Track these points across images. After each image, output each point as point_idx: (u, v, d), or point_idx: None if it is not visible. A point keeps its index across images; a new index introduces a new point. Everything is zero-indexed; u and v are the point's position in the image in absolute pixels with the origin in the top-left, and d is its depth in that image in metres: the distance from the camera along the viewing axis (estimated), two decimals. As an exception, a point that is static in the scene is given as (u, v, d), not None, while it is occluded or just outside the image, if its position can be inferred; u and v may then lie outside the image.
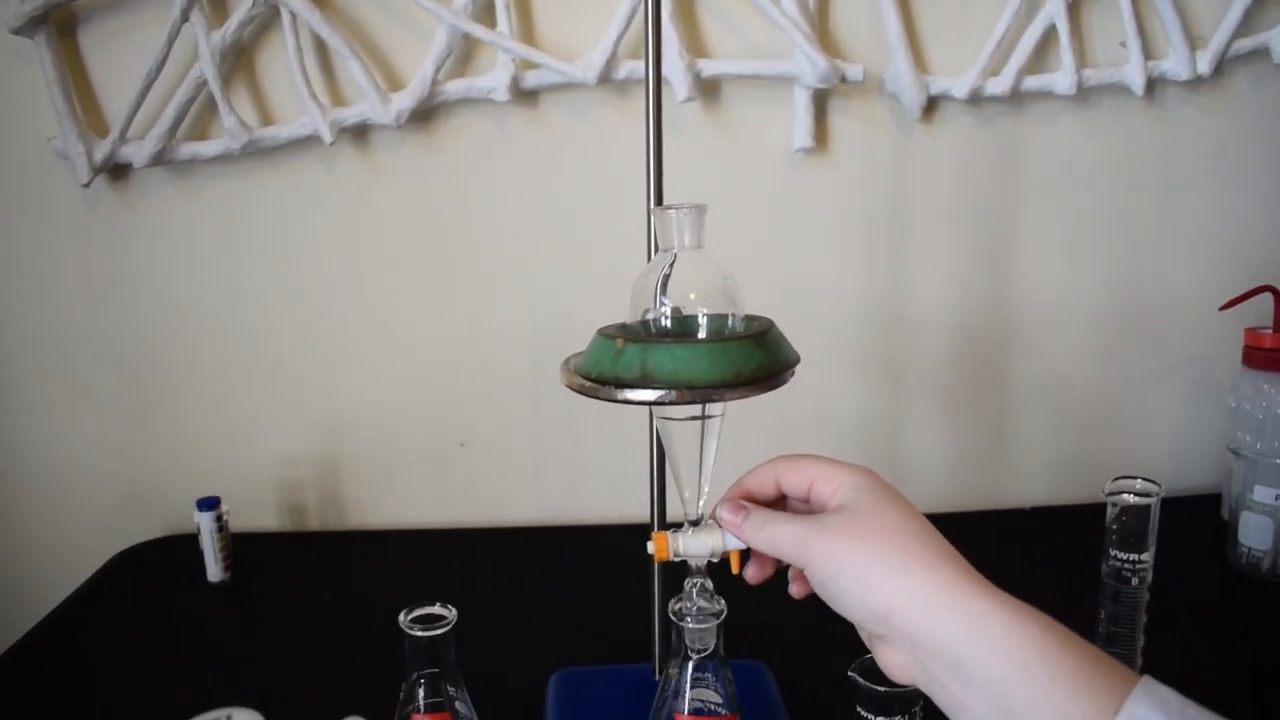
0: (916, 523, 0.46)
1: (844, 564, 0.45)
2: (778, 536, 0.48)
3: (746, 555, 0.52)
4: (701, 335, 0.52)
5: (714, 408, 0.54)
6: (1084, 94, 1.02)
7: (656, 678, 0.72)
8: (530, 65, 0.96)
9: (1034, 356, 1.10)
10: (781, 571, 0.53)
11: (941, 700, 0.43)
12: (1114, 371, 1.12)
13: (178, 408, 1.05)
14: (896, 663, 0.45)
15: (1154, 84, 1.03)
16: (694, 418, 0.53)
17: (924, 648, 0.43)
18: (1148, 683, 0.39)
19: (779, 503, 0.53)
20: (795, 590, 0.51)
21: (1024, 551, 0.98)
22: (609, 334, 0.51)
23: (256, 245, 1.01)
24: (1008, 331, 1.09)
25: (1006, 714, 0.40)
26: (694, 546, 0.52)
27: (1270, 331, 0.95)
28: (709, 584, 0.56)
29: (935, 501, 1.02)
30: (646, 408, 0.53)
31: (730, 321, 0.53)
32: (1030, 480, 1.13)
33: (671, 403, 0.48)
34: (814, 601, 0.50)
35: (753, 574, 0.52)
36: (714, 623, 0.55)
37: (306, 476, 1.08)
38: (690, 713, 0.56)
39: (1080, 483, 1.11)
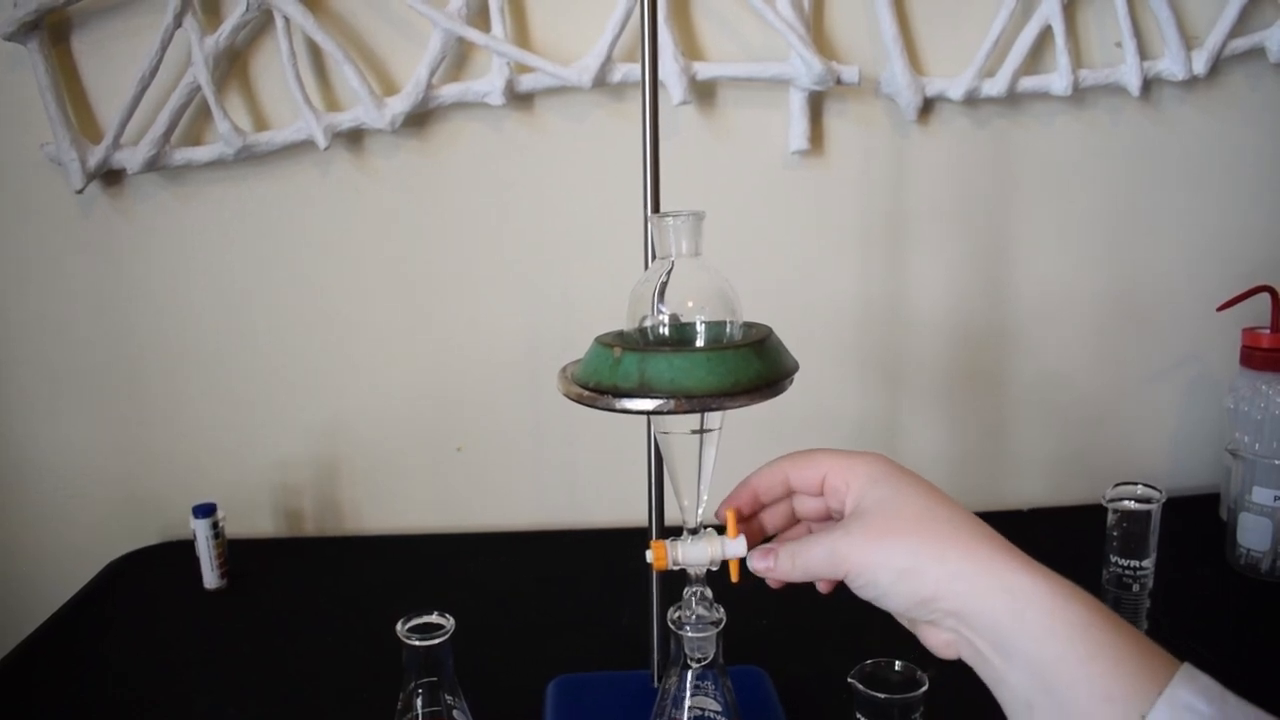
0: (942, 506, 0.46)
1: (880, 565, 0.45)
2: (811, 562, 0.48)
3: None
4: (699, 343, 0.52)
5: (711, 422, 0.53)
6: (1080, 94, 1.02)
7: (655, 684, 0.72)
8: (525, 69, 0.96)
9: (1031, 357, 1.10)
10: None
11: (984, 674, 0.44)
12: (1112, 372, 1.12)
13: (174, 413, 1.05)
14: (942, 641, 0.45)
15: (1150, 84, 1.02)
16: (693, 431, 0.53)
17: (971, 625, 0.43)
18: (1190, 669, 0.39)
19: (787, 500, 0.53)
20: (822, 588, 0.50)
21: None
22: (606, 342, 0.51)
23: (252, 250, 1.01)
24: (1005, 332, 1.09)
25: (1047, 690, 0.40)
26: (693, 555, 0.52)
27: (1268, 332, 0.95)
28: (708, 592, 0.55)
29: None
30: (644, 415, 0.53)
31: (728, 329, 0.53)
32: (1028, 481, 1.13)
33: (670, 412, 0.48)
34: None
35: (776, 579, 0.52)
36: (713, 631, 0.55)
37: (303, 482, 1.08)
38: (690, 721, 0.56)
39: (1078, 484, 1.11)
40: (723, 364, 0.48)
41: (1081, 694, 0.39)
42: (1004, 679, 0.42)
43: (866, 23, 0.99)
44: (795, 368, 0.52)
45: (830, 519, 0.52)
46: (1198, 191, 1.07)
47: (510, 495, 1.09)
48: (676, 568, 0.53)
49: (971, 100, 1.01)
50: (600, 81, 0.96)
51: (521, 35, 0.97)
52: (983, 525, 0.45)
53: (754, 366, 0.49)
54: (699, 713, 0.56)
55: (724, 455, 0.55)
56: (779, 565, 0.49)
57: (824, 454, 0.50)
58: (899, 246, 1.05)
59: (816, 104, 1.01)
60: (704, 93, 1.00)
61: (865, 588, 0.46)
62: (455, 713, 0.57)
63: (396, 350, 1.05)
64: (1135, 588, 0.69)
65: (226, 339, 1.03)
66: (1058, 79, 1.00)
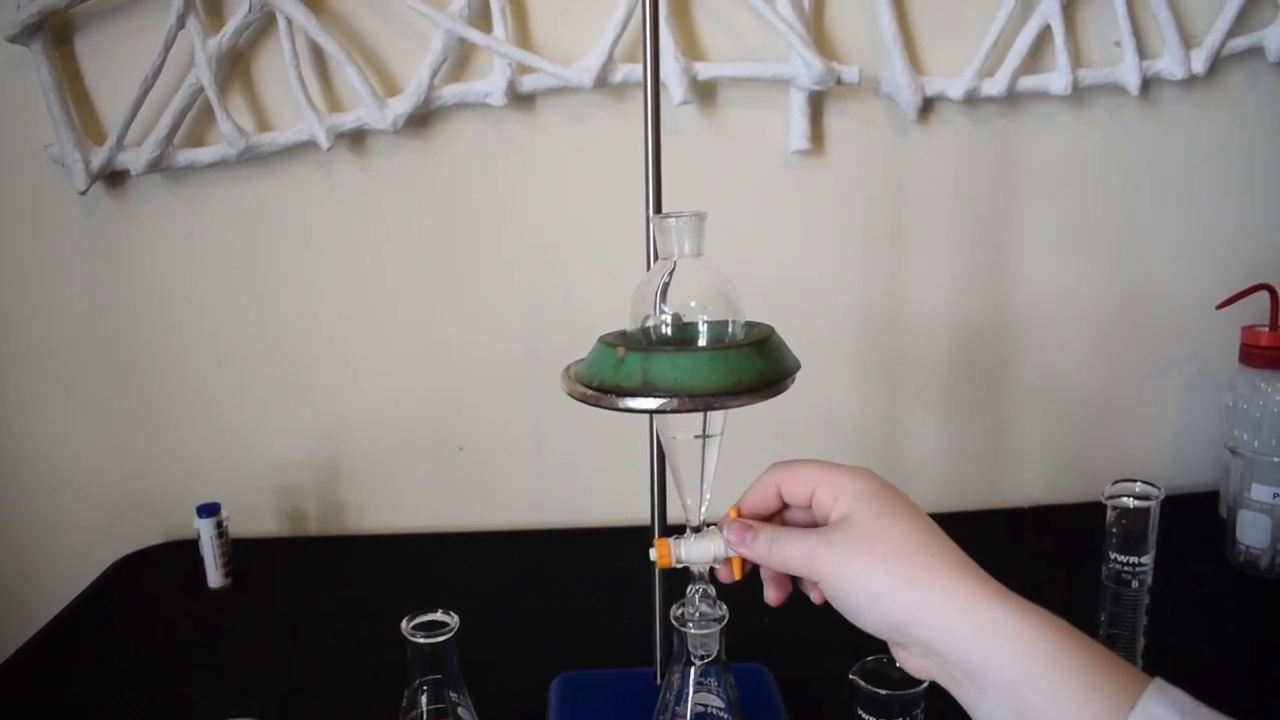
0: (922, 530, 0.46)
1: (854, 581, 0.45)
2: (786, 553, 0.48)
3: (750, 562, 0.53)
4: (702, 343, 0.53)
5: (713, 427, 0.54)
6: (1079, 94, 1.03)
7: (658, 682, 0.72)
8: (526, 69, 0.96)
9: (1032, 356, 1.10)
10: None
11: (960, 698, 0.44)
12: (1111, 370, 1.12)
13: (177, 413, 1.05)
14: (916, 665, 0.46)
15: (1149, 83, 1.03)
16: (695, 436, 0.54)
17: (940, 654, 0.44)
18: (1160, 684, 0.40)
19: (783, 512, 0.53)
20: (815, 598, 0.51)
21: (1023, 551, 0.98)
22: (610, 342, 0.52)
23: (254, 251, 1.01)
24: (1005, 331, 1.09)
25: (1021, 715, 0.41)
26: (696, 553, 0.53)
27: (1267, 330, 0.95)
28: (711, 589, 0.56)
29: (935, 501, 1.01)
30: (648, 414, 0.54)
31: (730, 329, 0.53)
32: (1029, 480, 1.13)
33: (673, 410, 0.48)
34: (818, 605, 0.50)
35: (773, 597, 0.53)
36: (716, 628, 0.55)
37: (306, 481, 1.08)
38: (692, 718, 0.56)
39: (1078, 482, 1.11)
40: (725, 363, 0.48)
41: (1055, 717, 0.40)
42: (978, 704, 0.43)
43: (866, 22, 1.00)
44: (797, 367, 0.52)
45: None
46: (1197, 190, 1.08)
47: (511, 495, 1.09)
48: (679, 565, 0.54)
49: (971, 100, 1.01)
50: (601, 82, 0.96)
51: (523, 36, 0.97)
52: (959, 554, 0.46)
53: (756, 366, 0.49)
54: (702, 709, 0.56)
55: (726, 454, 0.55)
56: (756, 545, 0.50)
57: (811, 466, 0.50)
58: (899, 246, 1.05)
59: (817, 104, 1.01)
60: (705, 93, 1.00)
61: (839, 599, 0.47)
62: (460, 710, 0.57)
63: (398, 350, 1.05)
64: (1134, 584, 0.69)
65: (229, 339, 1.03)
66: (1057, 78, 1.00)
